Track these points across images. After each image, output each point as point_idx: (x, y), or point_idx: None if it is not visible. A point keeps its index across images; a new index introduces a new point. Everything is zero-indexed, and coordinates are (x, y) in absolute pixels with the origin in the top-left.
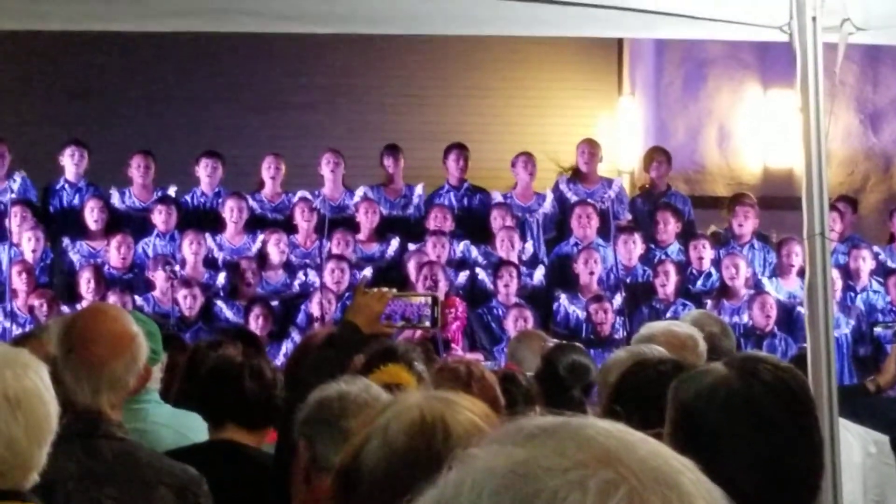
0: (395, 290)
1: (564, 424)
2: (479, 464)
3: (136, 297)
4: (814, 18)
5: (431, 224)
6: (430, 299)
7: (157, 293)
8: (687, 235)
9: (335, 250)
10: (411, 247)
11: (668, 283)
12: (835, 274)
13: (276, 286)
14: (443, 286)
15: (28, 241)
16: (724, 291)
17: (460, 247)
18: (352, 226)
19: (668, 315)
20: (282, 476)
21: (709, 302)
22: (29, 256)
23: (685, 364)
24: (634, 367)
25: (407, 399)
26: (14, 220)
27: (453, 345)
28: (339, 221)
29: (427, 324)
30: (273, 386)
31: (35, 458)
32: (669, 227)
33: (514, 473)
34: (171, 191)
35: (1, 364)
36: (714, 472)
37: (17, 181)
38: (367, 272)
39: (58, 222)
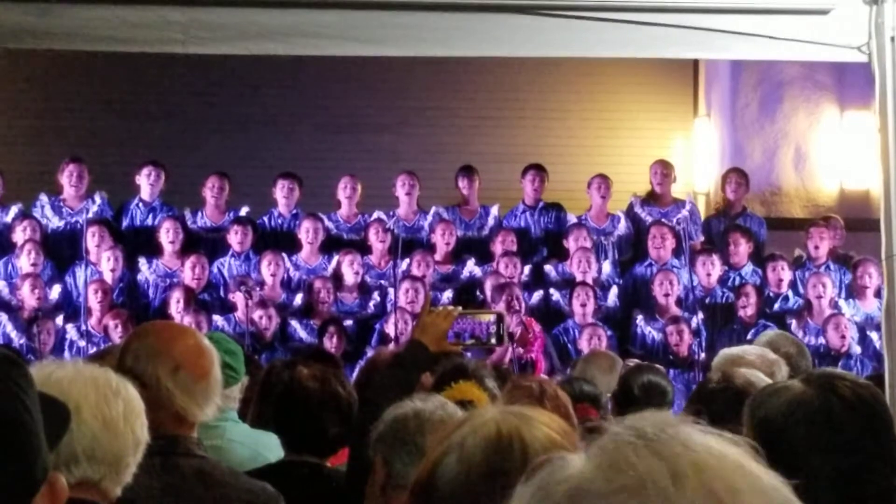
0: (460, 308)
1: (619, 447)
2: (536, 485)
3: (217, 316)
4: (892, 38)
5: (498, 247)
6: (495, 316)
7: (238, 314)
8: (759, 257)
9: (415, 272)
10: (477, 270)
11: (749, 306)
12: None
13: (350, 307)
14: (522, 307)
15: (107, 261)
16: (809, 311)
17: (525, 270)
18: (425, 246)
19: (750, 336)
20: (356, 494)
21: (793, 322)
22: (108, 276)
23: None
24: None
25: (483, 414)
26: (91, 240)
27: (538, 366)
28: (412, 242)
29: (493, 341)
30: (350, 408)
31: (130, 469)
32: (741, 248)
33: (565, 496)
34: (244, 211)
35: (91, 381)
36: (793, 488)
37: (96, 202)
38: (448, 294)
39: (129, 241)
